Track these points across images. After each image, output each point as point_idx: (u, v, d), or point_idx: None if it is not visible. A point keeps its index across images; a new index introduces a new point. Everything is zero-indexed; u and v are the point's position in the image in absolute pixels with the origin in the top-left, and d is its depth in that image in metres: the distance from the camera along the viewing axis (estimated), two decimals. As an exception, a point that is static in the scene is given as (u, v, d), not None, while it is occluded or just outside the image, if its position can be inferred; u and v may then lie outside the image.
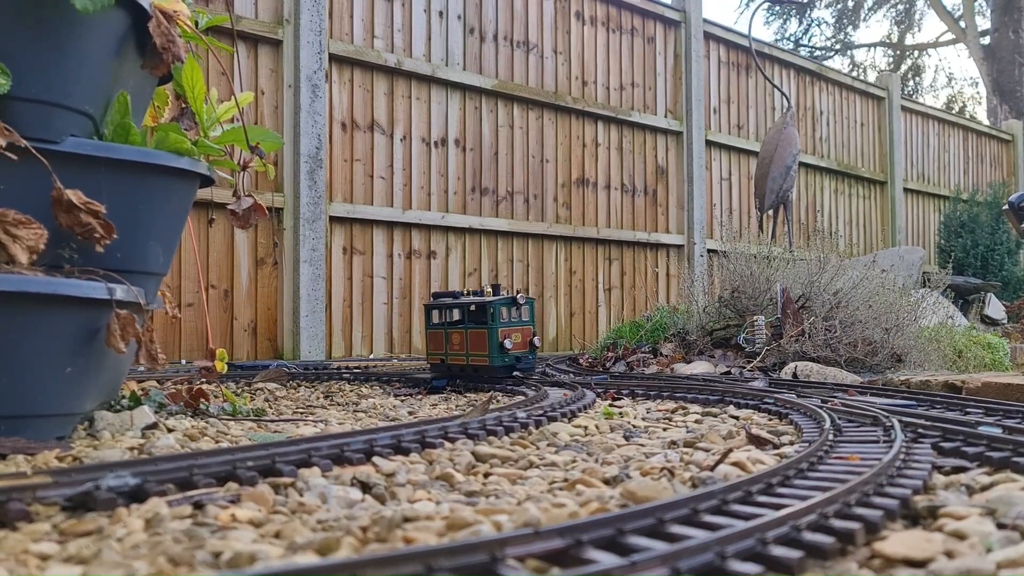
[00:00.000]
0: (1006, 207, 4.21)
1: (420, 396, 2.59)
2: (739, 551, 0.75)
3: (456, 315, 2.86)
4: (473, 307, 2.77)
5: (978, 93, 20.69)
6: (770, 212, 5.63)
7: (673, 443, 1.51)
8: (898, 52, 20.24)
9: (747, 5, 18.93)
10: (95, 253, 1.45)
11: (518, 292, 2.69)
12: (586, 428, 1.70)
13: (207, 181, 1.76)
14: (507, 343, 2.66)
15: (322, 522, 0.92)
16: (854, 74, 18.07)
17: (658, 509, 0.84)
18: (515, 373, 2.76)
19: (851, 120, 8.29)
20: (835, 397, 2.08)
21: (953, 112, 14.23)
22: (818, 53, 19.66)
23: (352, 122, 4.69)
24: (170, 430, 1.62)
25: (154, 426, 1.64)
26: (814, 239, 4.25)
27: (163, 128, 1.63)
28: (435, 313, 2.94)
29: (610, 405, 2.12)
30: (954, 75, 30.77)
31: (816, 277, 3.61)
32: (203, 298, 4.02)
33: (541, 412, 1.78)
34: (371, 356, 4.65)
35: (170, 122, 1.78)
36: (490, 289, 2.77)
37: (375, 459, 1.27)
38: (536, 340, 2.77)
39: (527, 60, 5.57)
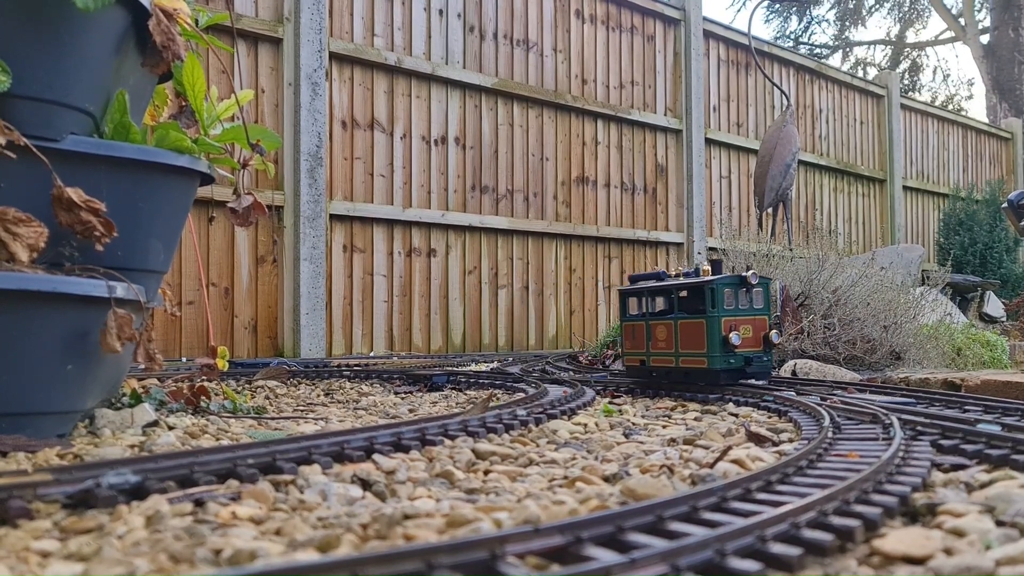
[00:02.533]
0: (1005, 205, 4.21)
1: (420, 393, 2.59)
2: (738, 548, 0.75)
3: (661, 303, 2.32)
4: (684, 291, 2.23)
5: (971, 91, 20.67)
6: (769, 210, 5.63)
7: (672, 441, 1.51)
8: (896, 50, 20.23)
9: (744, 4, 18.92)
10: (96, 251, 1.45)
11: (749, 269, 2.02)
12: (586, 426, 1.70)
13: (207, 179, 1.76)
14: (733, 338, 2.09)
15: (322, 519, 0.92)
16: (853, 72, 18.05)
17: (658, 506, 0.84)
18: (746, 380, 2.19)
19: (851, 118, 8.28)
20: (834, 395, 2.08)
21: (949, 109, 14.23)
22: (818, 51, 19.65)
23: (352, 120, 4.69)
24: (171, 428, 1.62)
25: (155, 424, 1.64)
26: (813, 237, 4.25)
27: (163, 126, 1.63)
28: (632, 301, 2.41)
29: (610, 403, 2.12)
30: (950, 74, 30.79)
31: (815, 275, 3.61)
32: (204, 296, 4.02)
33: (541, 410, 1.78)
34: (371, 354, 4.65)
35: (170, 120, 1.78)
36: (708, 267, 2.17)
37: (375, 457, 1.27)
38: (775, 335, 2.15)
39: (527, 58, 5.57)
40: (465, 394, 2.56)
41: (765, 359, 2.17)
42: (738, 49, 7.08)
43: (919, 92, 20.34)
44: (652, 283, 2.32)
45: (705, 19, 6.70)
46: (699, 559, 0.72)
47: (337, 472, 1.18)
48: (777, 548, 0.76)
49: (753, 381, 2.25)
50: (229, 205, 1.88)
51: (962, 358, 3.56)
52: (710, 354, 2.11)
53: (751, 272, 2.13)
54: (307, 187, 4.35)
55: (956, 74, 32.80)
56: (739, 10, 18.98)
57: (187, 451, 1.15)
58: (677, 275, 2.30)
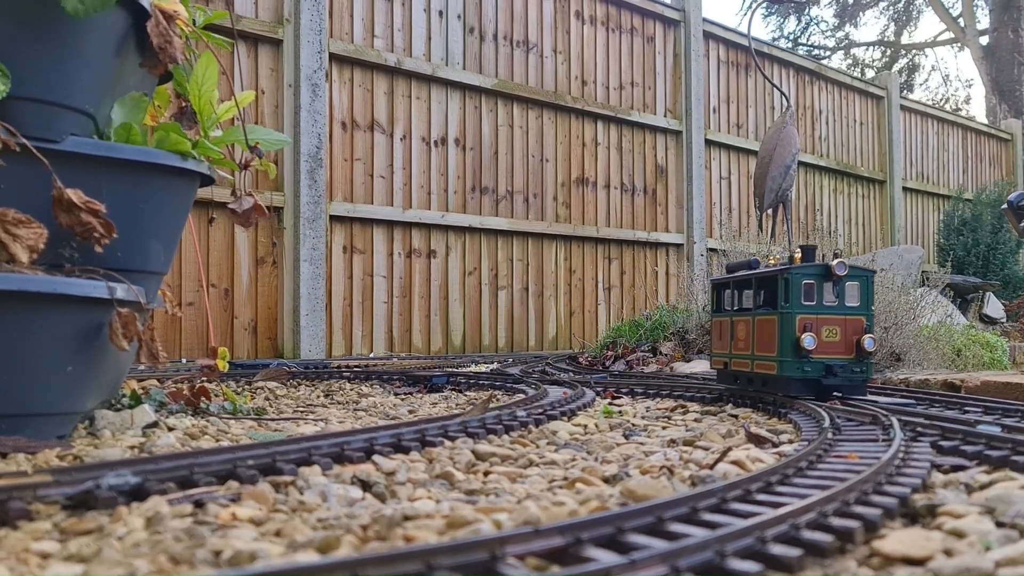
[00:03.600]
0: (1005, 206, 4.21)
1: (420, 395, 2.59)
2: (738, 549, 0.75)
3: (747, 297, 2.02)
4: (761, 283, 1.91)
5: (969, 93, 20.67)
6: (769, 211, 5.62)
7: (672, 442, 1.51)
8: (893, 51, 20.24)
9: (750, 8, 18.94)
10: (96, 252, 1.45)
11: (836, 256, 1.73)
12: (586, 427, 1.70)
13: (207, 180, 1.76)
14: (807, 340, 1.74)
15: (322, 520, 0.92)
16: (852, 73, 18.07)
17: (658, 507, 0.84)
18: (828, 393, 1.82)
19: (850, 119, 8.29)
20: (834, 396, 2.08)
21: (949, 110, 14.26)
22: (816, 52, 19.67)
23: (352, 121, 4.69)
24: (170, 429, 1.62)
25: (155, 425, 1.64)
26: (813, 238, 4.25)
27: (164, 127, 1.63)
28: (726, 294, 2.10)
29: (610, 404, 2.12)
30: (949, 75, 30.80)
31: (815, 276, 3.60)
32: (204, 297, 4.02)
33: (541, 411, 1.78)
34: (371, 355, 4.65)
35: (171, 121, 1.78)
36: (798, 253, 1.82)
37: (375, 458, 1.27)
38: (868, 342, 1.77)
39: (527, 60, 5.57)
40: (465, 395, 2.56)
41: (857, 370, 1.77)
42: (738, 50, 7.08)
43: (913, 91, 20.35)
44: (744, 271, 1.97)
45: (705, 20, 6.71)
46: (699, 560, 0.72)
47: (337, 473, 1.18)
48: (777, 549, 0.76)
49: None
50: (229, 206, 1.88)
51: (962, 359, 3.56)
52: (780, 358, 1.76)
53: (837, 261, 1.74)
54: (307, 188, 4.35)
55: (955, 75, 32.83)
56: (745, 13, 19.00)
57: (187, 452, 1.15)
58: (773, 263, 1.93)
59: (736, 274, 2.02)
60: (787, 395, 1.82)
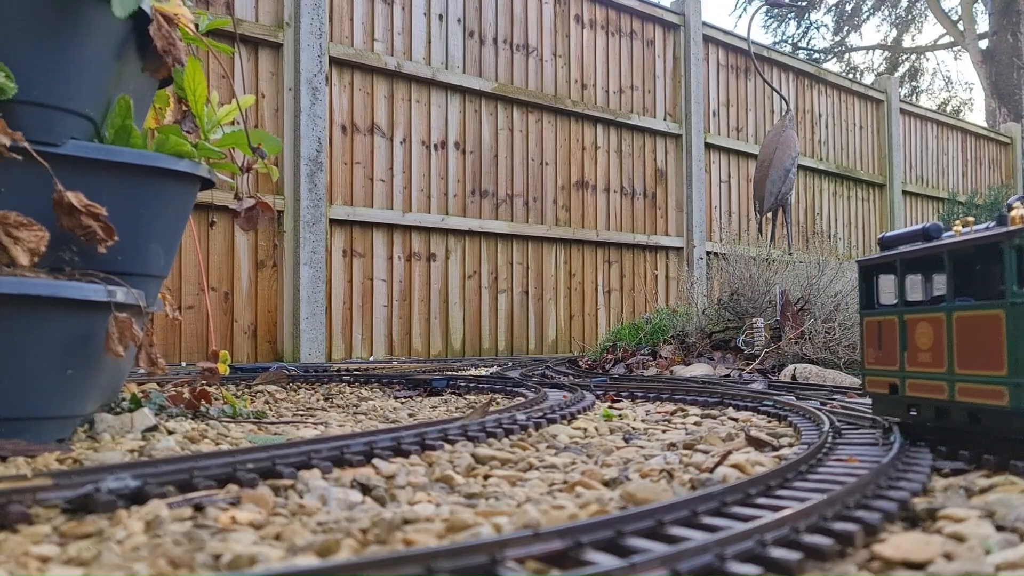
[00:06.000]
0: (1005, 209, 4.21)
1: (420, 398, 2.59)
2: (738, 553, 0.75)
3: (933, 284, 1.39)
4: (966, 257, 1.26)
5: (970, 96, 20.71)
6: (769, 214, 5.63)
7: (672, 445, 1.51)
8: (894, 55, 20.28)
9: (744, 9, 18.97)
10: (96, 255, 1.45)
11: None
12: (586, 430, 1.70)
13: (208, 184, 1.76)
14: None
15: (322, 524, 0.92)
16: (852, 77, 18.11)
17: (657, 511, 0.84)
18: None
19: (850, 123, 8.29)
20: (834, 399, 2.08)
21: (948, 114, 14.29)
22: (816, 56, 19.69)
23: (352, 125, 4.69)
24: (170, 432, 1.62)
25: (154, 428, 1.64)
26: (813, 241, 4.26)
27: (164, 131, 1.63)
28: (887, 281, 1.43)
29: (609, 407, 2.12)
30: (950, 79, 30.84)
31: (815, 279, 3.61)
32: (204, 300, 4.02)
33: (541, 414, 1.78)
34: (371, 358, 4.65)
35: (171, 124, 1.79)
36: (1019, 205, 1.14)
37: (375, 461, 1.27)
38: None
39: (527, 63, 5.58)
40: (465, 398, 2.56)
41: None
42: (737, 54, 7.09)
43: (917, 97, 20.38)
44: (919, 245, 1.31)
45: (705, 24, 6.72)
46: (699, 563, 0.72)
47: (337, 477, 1.18)
48: (777, 552, 0.76)
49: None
50: (233, 208, 1.88)
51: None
52: (1014, 380, 1.09)
53: None
54: (307, 192, 4.35)
55: (956, 79, 32.87)
56: (740, 16, 19.04)
57: (187, 456, 1.15)
58: (958, 230, 1.26)
59: (906, 249, 1.33)
60: (1017, 437, 1.14)
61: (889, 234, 1.44)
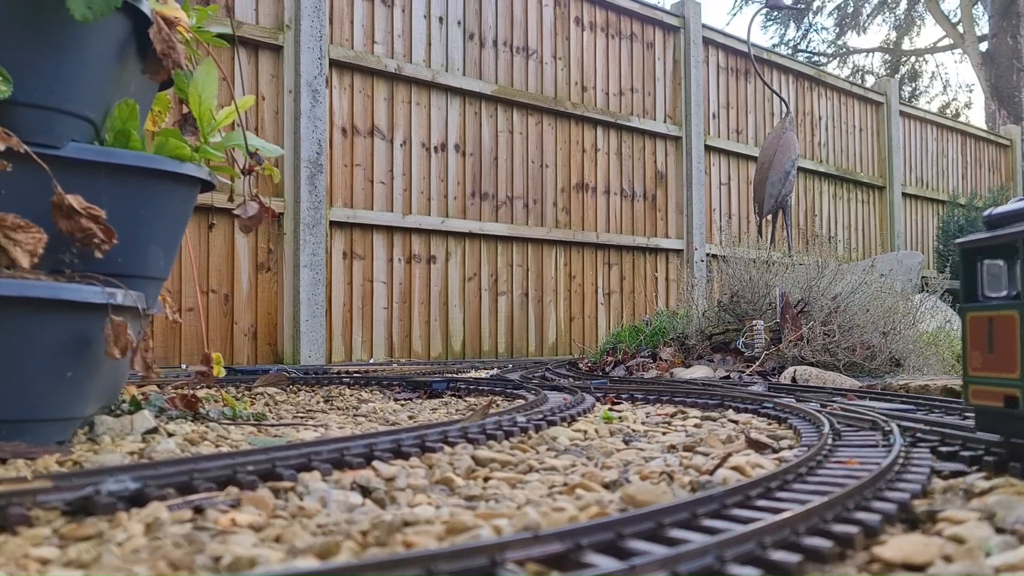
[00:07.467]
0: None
1: (420, 400, 2.59)
2: (738, 555, 0.75)
3: None
4: None
5: (970, 98, 20.69)
6: (769, 217, 5.63)
7: (672, 447, 1.51)
8: (895, 58, 20.29)
9: (740, 9, 18.99)
10: (96, 258, 1.45)
11: None
12: (586, 432, 1.70)
13: (207, 186, 1.76)
14: None
15: (322, 526, 0.92)
16: (852, 79, 18.13)
17: (657, 513, 0.84)
18: None
19: (850, 125, 8.30)
20: (834, 401, 2.08)
21: (948, 115, 14.30)
22: (816, 58, 19.71)
23: (352, 127, 4.70)
24: (170, 434, 1.62)
25: (154, 430, 1.64)
26: (813, 244, 4.26)
27: (164, 133, 1.63)
28: (995, 268, 1.17)
29: (610, 409, 2.12)
30: (950, 81, 30.84)
31: (815, 282, 3.61)
32: (201, 302, 4.02)
33: (541, 416, 1.78)
34: (371, 360, 4.65)
35: (171, 127, 1.79)
36: None
37: (375, 463, 1.27)
38: None
39: (527, 65, 5.58)
40: (465, 401, 2.56)
41: None
42: (737, 56, 7.10)
43: (918, 99, 20.39)
44: None
45: (704, 26, 6.72)
46: (699, 565, 0.72)
47: (337, 479, 1.18)
48: (777, 555, 0.76)
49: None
50: (234, 211, 1.88)
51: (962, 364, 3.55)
52: None
53: None
54: (307, 194, 4.35)
55: (956, 81, 32.86)
56: (735, 15, 19.04)
57: (187, 458, 1.15)
58: None
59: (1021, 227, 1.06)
60: None
61: (999, 209, 1.17)
